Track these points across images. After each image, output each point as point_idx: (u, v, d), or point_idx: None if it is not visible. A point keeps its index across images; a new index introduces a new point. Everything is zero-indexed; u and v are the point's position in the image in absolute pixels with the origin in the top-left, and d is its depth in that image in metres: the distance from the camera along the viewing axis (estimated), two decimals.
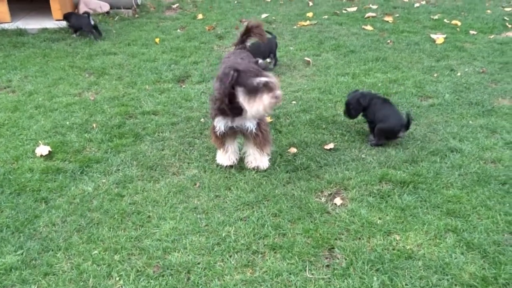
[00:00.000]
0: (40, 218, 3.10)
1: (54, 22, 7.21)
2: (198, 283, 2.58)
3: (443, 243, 2.81)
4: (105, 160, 3.74)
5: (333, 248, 2.80)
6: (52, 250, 2.83)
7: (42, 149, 3.81)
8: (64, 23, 7.05)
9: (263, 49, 5.36)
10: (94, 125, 4.27)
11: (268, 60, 5.45)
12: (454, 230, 2.90)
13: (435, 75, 5.24)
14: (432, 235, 2.87)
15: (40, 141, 3.97)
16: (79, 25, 6.69)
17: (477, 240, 2.80)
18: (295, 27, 7.26)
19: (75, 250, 2.83)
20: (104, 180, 3.50)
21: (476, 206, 3.10)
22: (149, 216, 3.11)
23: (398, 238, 2.86)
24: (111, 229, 2.99)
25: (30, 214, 3.13)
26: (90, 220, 3.08)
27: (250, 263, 2.70)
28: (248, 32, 4.02)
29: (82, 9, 7.53)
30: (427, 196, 3.22)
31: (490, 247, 2.75)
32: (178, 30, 7.14)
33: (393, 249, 2.77)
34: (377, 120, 3.83)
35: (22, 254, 2.79)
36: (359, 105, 3.88)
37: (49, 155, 3.80)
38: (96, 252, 2.80)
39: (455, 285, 2.53)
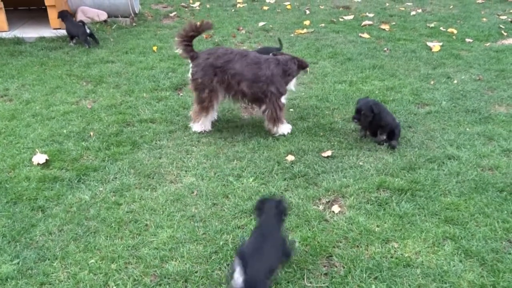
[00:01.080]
0: (36, 227, 3.09)
1: (51, 31, 7.23)
2: None
3: (442, 250, 2.80)
4: (102, 168, 3.72)
5: (331, 256, 2.79)
6: (49, 259, 2.81)
7: (39, 158, 3.80)
8: (60, 32, 7.07)
9: None
10: (92, 133, 4.26)
11: None
12: (452, 238, 2.89)
13: (432, 82, 5.26)
14: (430, 243, 2.86)
15: (37, 150, 3.96)
16: (76, 33, 6.70)
17: (475, 248, 2.80)
18: (292, 35, 7.29)
19: (71, 259, 2.81)
20: (101, 189, 3.48)
21: (474, 214, 3.10)
22: (146, 225, 3.09)
23: (396, 245, 2.85)
24: (108, 238, 2.98)
25: (27, 223, 3.11)
26: (87, 229, 3.06)
27: None
28: (196, 32, 4.14)
29: (79, 17, 7.55)
30: (425, 204, 3.21)
31: (489, 255, 2.75)
32: (176, 38, 7.15)
33: (391, 257, 2.76)
34: (395, 121, 3.92)
35: (18, 263, 2.77)
36: (371, 112, 3.84)
37: (46, 164, 3.79)
38: (93, 261, 2.78)
39: None
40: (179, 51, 4.17)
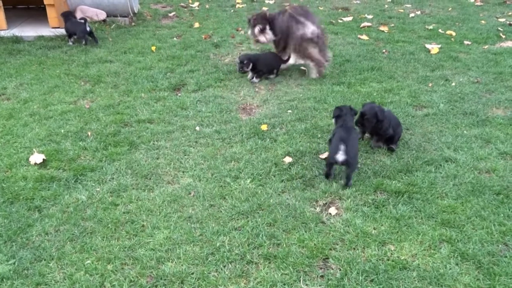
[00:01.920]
0: (33, 227, 3.08)
1: (50, 30, 7.21)
2: None
3: (438, 253, 2.81)
4: (100, 169, 3.72)
5: (327, 258, 2.79)
6: (45, 260, 2.80)
7: (36, 157, 3.79)
8: (59, 31, 7.06)
9: (271, 64, 5.47)
10: (89, 133, 4.26)
11: (271, 76, 5.52)
12: (448, 241, 2.90)
13: (430, 85, 5.27)
14: (427, 246, 2.87)
15: (34, 149, 3.95)
16: (74, 30, 6.69)
17: (472, 251, 2.80)
18: None
19: (67, 259, 2.80)
20: (98, 189, 3.48)
21: (470, 216, 3.11)
22: (143, 226, 3.09)
23: (392, 248, 2.86)
24: (105, 239, 2.97)
25: (23, 223, 3.11)
26: (83, 229, 3.06)
27: (244, 273, 2.69)
28: None
29: (78, 16, 7.53)
30: (421, 206, 3.22)
31: (485, 258, 2.75)
32: (175, 39, 7.15)
33: (388, 260, 2.76)
34: (397, 130, 3.91)
35: (14, 263, 2.77)
36: (375, 118, 3.77)
37: (43, 163, 3.78)
38: (89, 261, 2.78)
39: None
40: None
